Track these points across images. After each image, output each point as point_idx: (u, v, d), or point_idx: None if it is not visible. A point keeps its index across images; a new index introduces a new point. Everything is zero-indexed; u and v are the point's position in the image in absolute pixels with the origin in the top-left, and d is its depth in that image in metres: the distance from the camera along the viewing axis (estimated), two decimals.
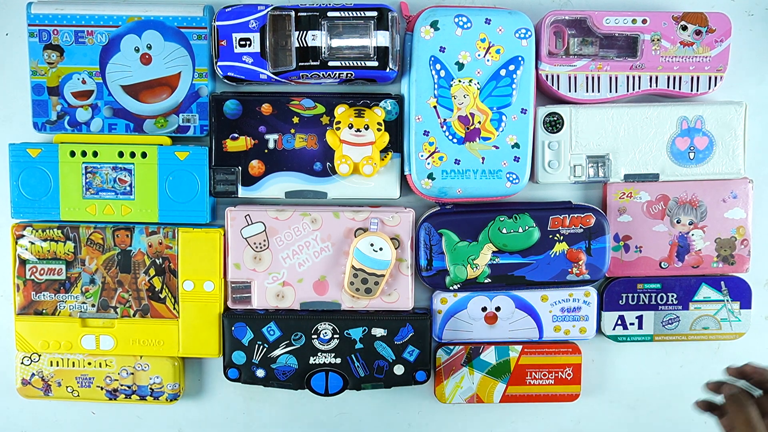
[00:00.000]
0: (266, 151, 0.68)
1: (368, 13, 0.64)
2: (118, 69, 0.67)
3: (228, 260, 0.69)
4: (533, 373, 0.71)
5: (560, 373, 0.71)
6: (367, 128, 0.66)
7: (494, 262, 0.69)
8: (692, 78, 0.68)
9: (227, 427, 0.75)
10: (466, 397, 0.71)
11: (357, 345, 0.70)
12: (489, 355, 0.71)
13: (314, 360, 0.70)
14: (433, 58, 0.66)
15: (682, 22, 0.67)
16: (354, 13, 0.64)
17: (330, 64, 0.64)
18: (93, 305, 0.69)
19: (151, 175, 0.68)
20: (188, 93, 0.67)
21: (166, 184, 0.68)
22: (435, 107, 0.66)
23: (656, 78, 0.68)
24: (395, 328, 0.69)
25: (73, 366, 0.71)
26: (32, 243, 0.68)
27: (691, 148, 0.69)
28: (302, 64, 0.65)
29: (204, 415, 0.75)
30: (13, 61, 0.70)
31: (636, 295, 0.71)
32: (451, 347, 0.71)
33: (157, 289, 0.69)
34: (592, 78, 0.68)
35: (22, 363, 0.71)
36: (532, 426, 0.76)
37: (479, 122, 0.67)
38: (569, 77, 0.68)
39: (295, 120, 0.68)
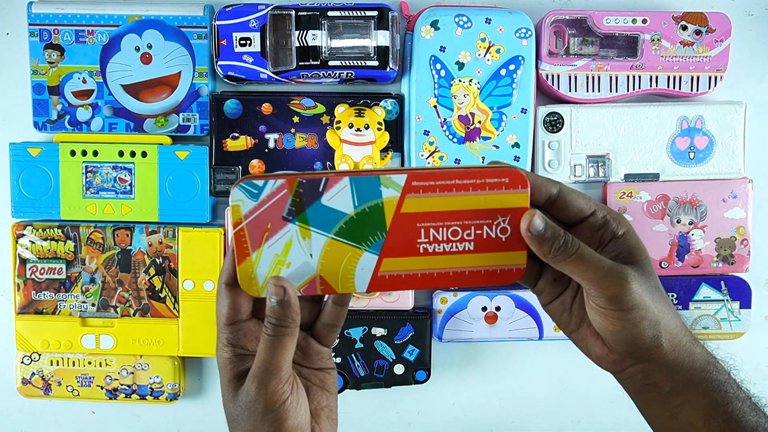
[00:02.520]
0: (266, 150, 0.68)
1: (368, 13, 0.64)
2: (118, 68, 0.67)
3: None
4: (432, 231, 0.40)
5: (489, 227, 0.40)
6: (367, 128, 0.66)
7: None
8: (692, 78, 0.68)
9: (227, 427, 0.75)
10: (298, 285, 0.40)
11: (357, 344, 0.70)
12: (340, 196, 0.39)
13: None
14: (433, 58, 0.66)
15: (682, 22, 0.67)
16: (354, 12, 0.64)
17: (330, 63, 0.65)
18: (93, 304, 0.69)
19: (151, 174, 0.68)
20: (188, 92, 0.67)
21: (166, 183, 0.68)
22: (435, 107, 0.66)
23: (656, 78, 0.68)
24: (395, 328, 0.69)
25: (73, 365, 0.71)
26: (32, 242, 0.68)
27: (691, 148, 0.69)
28: (302, 63, 0.65)
29: (204, 414, 0.75)
30: (13, 60, 0.70)
31: None
32: (262, 183, 0.38)
33: (157, 289, 0.69)
34: (593, 78, 0.68)
35: (22, 362, 0.71)
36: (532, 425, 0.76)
37: (479, 122, 0.67)
38: (569, 77, 0.68)
39: (296, 119, 0.68)
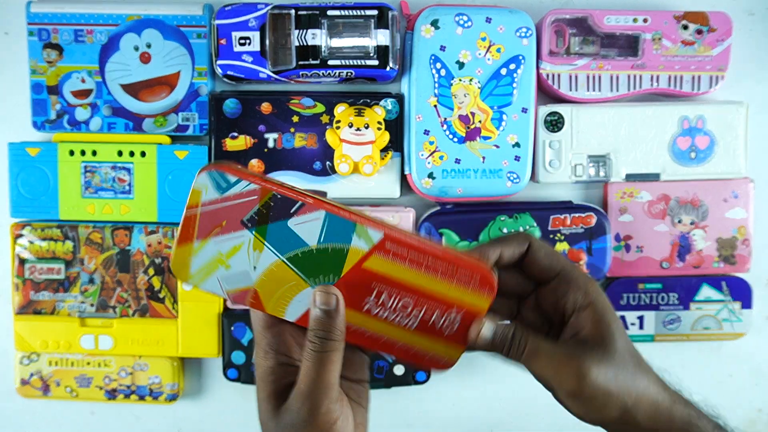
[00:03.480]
0: (266, 150, 0.68)
1: (368, 12, 0.64)
2: (117, 68, 0.67)
3: None
4: (383, 295, 0.39)
5: (439, 315, 0.39)
6: (367, 127, 0.66)
7: None
8: (693, 77, 0.68)
9: (226, 427, 0.75)
10: (229, 289, 0.39)
11: None
12: (309, 226, 0.38)
13: None
14: (433, 57, 0.65)
15: (683, 22, 0.67)
16: (354, 11, 0.64)
17: (330, 62, 0.64)
18: (92, 305, 0.69)
19: (150, 174, 0.68)
20: (188, 92, 0.67)
21: (165, 183, 0.68)
22: (435, 106, 0.66)
23: (657, 77, 0.68)
24: None
25: (72, 366, 0.70)
26: (31, 242, 0.68)
27: (693, 148, 0.69)
28: (302, 62, 0.64)
29: (203, 415, 0.75)
30: (12, 60, 0.70)
31: (637, 295, 0.71)
32: (234, 180, 0.37)
33: (156, 289, 0.69)
34: (593, 77, 0.68)
35: (21, 363, 0.70)
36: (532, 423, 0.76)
37: (480, 121, 0.66)
38: (570, 76, 0.67)
39: (295, 119, 0.67)
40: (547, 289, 0.42)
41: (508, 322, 0.40)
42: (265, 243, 0.37)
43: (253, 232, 0.37)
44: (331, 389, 0.36)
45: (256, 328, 0.39)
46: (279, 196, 0.37)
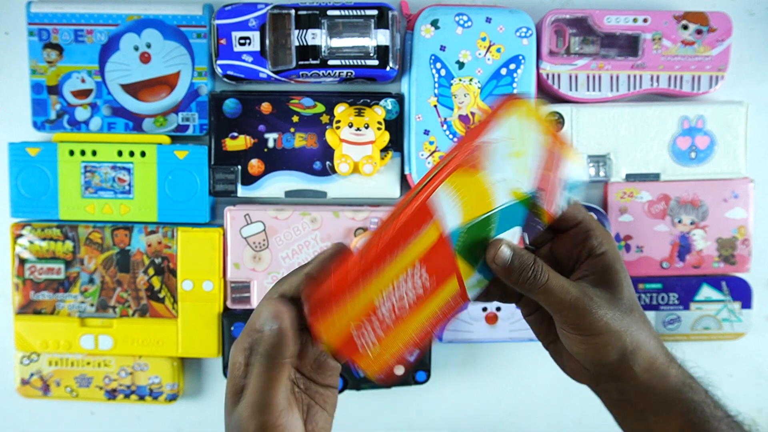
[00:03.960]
0: (266, 150, 0.68)
1: (368, 12, 0.64)
2: (117, 68, 0.67)
3: (227, 260, 0.69)
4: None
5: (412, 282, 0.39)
6: (367, 127, 0.66)
7: None
8: (693, 77, 0.68)
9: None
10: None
11: None
12: None
13: None
14: (433, 57, 0.65)
15: (683, 22, 0.67)
16: (354, 11, 0.64)
17: (330, 62, 0.64)
18: (92, 305, 0.69)
19: (150, 174, 0.68)
20: (188, 92, 0.67)
21: (165, 183, 0.68)
22: (435, 106, 0.66)
23: (657, 77, 0.68)
24: None
25: (72, 366, 0.70)
26: (31, 242, 0.68)
27: (693, 148, 0.69)
28: (302, 62, 0.64)
29: (203, 415, 0.74)
30: (12, 60, 0.70)
31: (637, 295, 0.71)
32: None
33: (156, 289, 0.69)
34: (593, 77, 0.68)
35: (21, 362, 0.70)
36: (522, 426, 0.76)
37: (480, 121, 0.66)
38: (570, 76, 0.67)
39: (295, 119, 0.67)
40: (566, 235, 0.43)
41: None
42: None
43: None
44: (272, 405, 0.37)
45: (247, 328, 0.39)
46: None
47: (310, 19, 0.64)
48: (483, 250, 0.40)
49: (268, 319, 0.37)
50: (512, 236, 0.41)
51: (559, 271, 0.43)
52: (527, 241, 0.41)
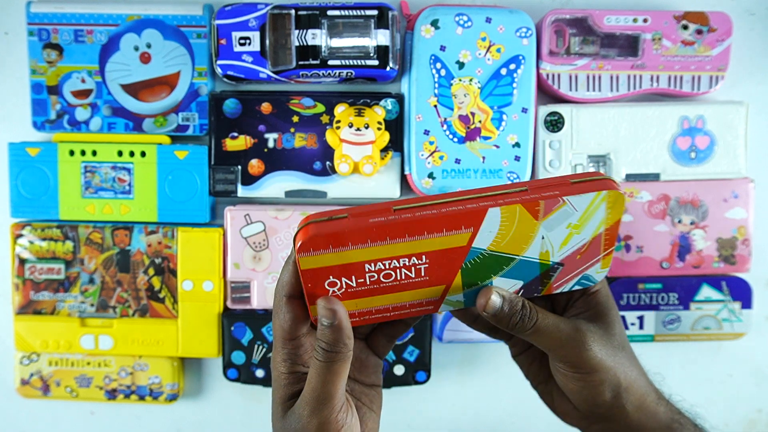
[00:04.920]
0: (266, 150, 0.68)
1: (368, 12, 0.64)
2: (117, 68, 0.67)
3: (227, 260, 0.69)
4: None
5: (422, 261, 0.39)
6: (367, 127, 0.66)
7: None
8: (693, 77, 0.68)
9: (226, 427, 0.75)
10: None
11: None
12: None
13: None
14: (433, 57, 0.65)
15: (683, 21, 0.67)
16: (354, 11, 0.64)
17: (330, 62, 0.64)
18: (92, 305, 0.69)
19: (150, 174, 0.68)
20: (188, 92, 0.67)
21: (165, 183, 0.68)
22: (435, 106, 0.66)
23: (657, 77, 0.68)
24: None
25: (72, 366, 0.70)
26: (31, 242, 0.68)
27: (693, 148, 0.69)
28: (302, 62, 0.64)
29: (203, 415, 0.75)
30: (12, 60, 0.70)
31: (637, 295, 0.71)
32: None
33: (156, 289, 0.69)
34: (593, 77, 0.68)
35: (21, 363, 0.70)
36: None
37: (480, 121, 0.66)
38: (570, 76, 0.67)
39: (295, 119, 0.67)
40: None
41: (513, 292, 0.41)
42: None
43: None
44: (332, 399, 0.37)
45: (277, 339, 0.39)
46: None
47: (310, 19, 0.64)
48: (481, 279, 0.40)
49: (322, 316, 0.37)
50: (510, 285, 0.41)
51: (553, 310, 0.43)
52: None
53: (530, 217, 0.38)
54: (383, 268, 0.38)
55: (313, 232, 0.36)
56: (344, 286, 0.38)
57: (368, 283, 0.38)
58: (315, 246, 0.36)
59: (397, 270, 0.38)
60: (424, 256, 0.38)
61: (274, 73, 0.65)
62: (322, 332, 0.37)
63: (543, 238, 0.39)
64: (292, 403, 0.38)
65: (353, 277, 0.38)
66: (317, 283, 0.38)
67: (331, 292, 0.38)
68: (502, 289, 0.40)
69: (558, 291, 0.42)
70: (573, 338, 0.40)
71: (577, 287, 0.42)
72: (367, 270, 0.38)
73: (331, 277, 0.38)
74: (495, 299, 0.39)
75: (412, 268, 0.38)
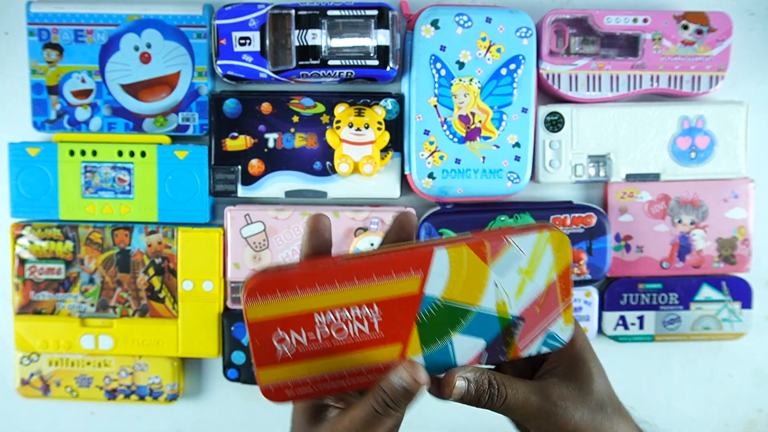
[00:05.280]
0: (266, 150, 0.67)
1: (368, 12, 0.64)
2: (117, 68, 0.67)
3: (227, 260, 0.69)
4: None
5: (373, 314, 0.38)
6: (367, 127, 0.66)
7: None
8: (693, 77, 0.68)
9: (227, 427, 0.75)
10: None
11: None
12: None
13: None
14: (433, 57, 0.65)
15: (683, 22, 0.67)
16: (354, 11, 0.64)
17: (330, 62, 0.64)
18: (92, 305, 0.69)
19: (150, 174, 0.68)
20: (188, 92, 0.67)
21: (165, 183, 0.68)
22: (435, 106, 0.66)
23: (657, 77, 0.68)
24: None
25: (72, 366, 0.70)
26: (31, 242, 0.68)
27: (693, 148, 0.69)
28: (302, 62, 0.64)
29: (203, 415, 0.75)
30: (12, 60, 0.70)
31: (637, 295, 0.71)
32: None
33: (156, 289, 0.69)
34: (593, 77, 0.68)
35: (21, 363, 0.70)
36: None
37: (480, 121, 0.66)
38: (570, 76, 0.67)
39: (295, 119, 0.67)
40: None
41: (475, 367, 0.39)
42: None
43: None
44: None
45: None
46: None
47: (310, 19, 0.64)
48: (439, 336, 0.38)
49: (402, 378, 0.36)
50: (472, 347, 0.39)
51: (528, 362, 0.41)
52: (483, 362, 0.39)
53: (478, 260, 0.37)
54: (334, 320, 0.37)
55: (260, 278, 0.36)
56: (294, 344, 0.37)
57: (320, 339, 0.37)
58: (262, 291, 0.36)
59: (349, 323, 0.37)
60: (375, 305, 0.37)
61: (274, 73, 0.65)
62: (393, 389, 0.36)
63: (496, 285, 0.37)
64: (317, 415, 0.39)
65: (302, 330, 0.37)
66: (265, 339, 0.37)
67: (280, 350, 0.37)
68: (466, 369, 0.38)
69: (525, 354, 0.39)
70: (543, 409, 0.38)
71: (545, 349, 0.39)
72: (317, 322, 0.36)
73: (279, 330, 0.37)
74: (460, 384, 0.37)
75: (365, 321, 0.37)
